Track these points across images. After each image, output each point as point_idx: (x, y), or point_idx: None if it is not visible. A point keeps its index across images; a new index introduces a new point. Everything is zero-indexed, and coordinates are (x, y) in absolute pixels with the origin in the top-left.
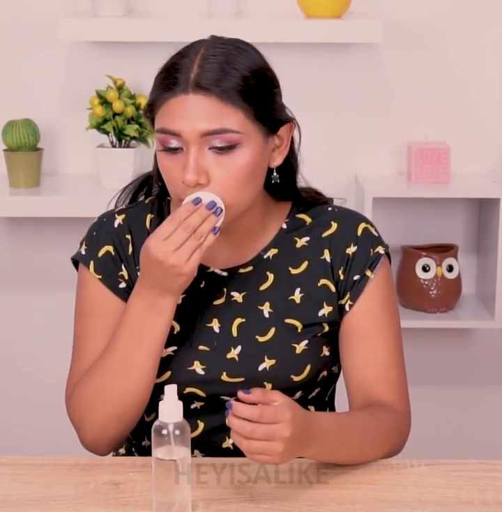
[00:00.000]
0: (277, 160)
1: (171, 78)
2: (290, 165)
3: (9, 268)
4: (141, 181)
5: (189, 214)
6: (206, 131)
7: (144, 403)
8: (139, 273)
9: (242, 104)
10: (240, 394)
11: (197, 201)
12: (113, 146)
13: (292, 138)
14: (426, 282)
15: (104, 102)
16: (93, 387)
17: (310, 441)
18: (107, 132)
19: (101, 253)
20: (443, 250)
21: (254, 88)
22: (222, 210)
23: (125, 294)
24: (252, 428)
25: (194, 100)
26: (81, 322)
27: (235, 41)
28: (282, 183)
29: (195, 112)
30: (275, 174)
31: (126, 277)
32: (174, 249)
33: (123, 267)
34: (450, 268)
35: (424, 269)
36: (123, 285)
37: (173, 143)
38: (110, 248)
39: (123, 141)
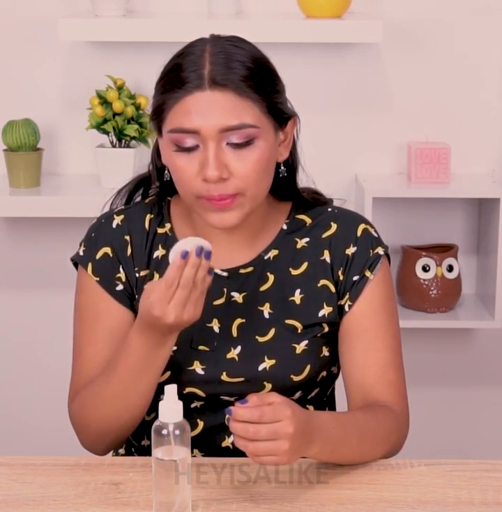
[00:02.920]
0: (284, 154)
1: (180, 77)
2: (291, 162)
3: (9, 268)
4: (136, 182)
5: (181, 270)
6: (226, 127)
7: (143, 415)
8: (137, 274)
9: (255, 97)
10: (238, 405)
11: (185, 255)
12: (114, 146)
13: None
14: (426, 282)
15: (104, 102)
16: (88, 407)
17: (312, 438)
18: (107, 132)
19: (99, 255)
20: (443, 250)
21: (261, 79)
22: (210, 252)
23: (122, 296)
24: (255, 429)
25: (211, 97)
26: (80, 325)
27: (233, 37)
28: (284, 181)
29: (213, 109)
30: (282, 168)
31: (123, 279)
32: (182, 309)
33: (120, 269)
34: (450, 268)
35: (424, 269)
36: (120, 287)
37: (189, 142)
38: (108, 250)
39: (123, 141)
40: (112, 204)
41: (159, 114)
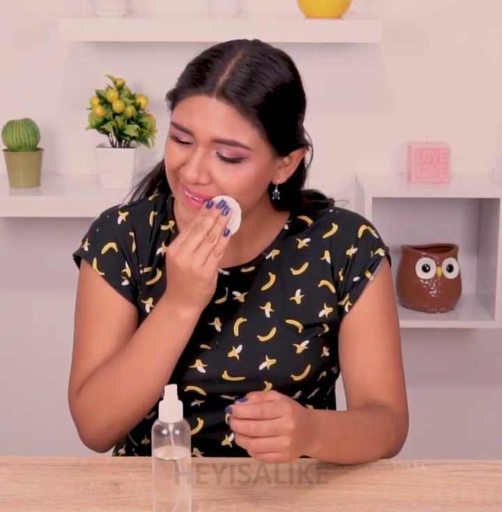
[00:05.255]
0: (281, 178)
1: (199, 75)
2: (296, 182)
3: (9, 268)
4: (157, 174)
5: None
6: (218, 138)
7: (150, 407)
8: (141, 271)
9: (259, 124)
10: (238, 403)
11: (210, 205)
12: (114, 146)
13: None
14: (426, 282)
15: (104, 102)
16: (102, 389)
17: (313, 435)
18: (107, 132)
19: (104, 250)
20: (443, 250)
21: (275, 109)
22: (229, 209)
23: (128, 292)
24: (257, 426)
25: (215, 105)
26: (83, 320)
27: (274, 52)
28: (285, 196)
29: (213, 117)
30: (275, 191)
31: (129, 274)
32: (190, 252)
33: (126, 264)
34: (450, 268)
35: (424, 269)
36: (125, 283)
37: (185, 138)
38: (113, 245)
39: (123, 141)
40: (134, 197)
41: (174, 99)
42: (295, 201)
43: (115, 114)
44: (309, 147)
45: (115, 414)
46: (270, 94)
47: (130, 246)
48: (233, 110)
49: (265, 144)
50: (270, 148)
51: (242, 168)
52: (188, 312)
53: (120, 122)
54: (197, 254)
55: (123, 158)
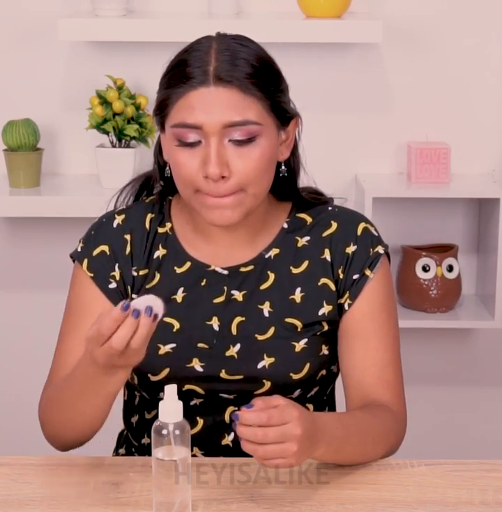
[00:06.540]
0: (285, 154)
1: (185, 72)
2: (292, 163)
3: (9, 268)
4: (142, 182)
5: (118, 324)
6: (229, 123)
7: (101, 424)
8: (135, 274)
9: (259, 95)
10: (244, 409)
11: (136, 315)
12: (114, 146)
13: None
14: (426, 282)
15: (104, 102)
16: (51, 404)
17: (318, 439)
18: (107, 132)
19: (96, 252)
20: (443, 250)
21: (265, 77)
22: (155, 312)
23: (114, 295)
24: (264, 432)
25: (215, 93)
26: (67, 319)
27: (239, 36)
28: (284, 182)
29: (217, 104)
30: (283, 167)
31: (118, 277)
32: (111, 358)
33: (116, 267)
34: (450, 268)
35: (424, 269)
36: (113, 285)
37: (192, 137)
38: (105, 248)
39: (123, 141)
40: (117, 202)
41: (163, 109)
42: (295, 185)
43: (115, 114)
44: (301, 119)
45: (59, 429)
46: (256, 67)
47: (124, 249)
48: (234, 91)
49: (269, 116)
50: (274, 121)
51: (256, 148)
52: (119, 375)
53: (120, 122)
54: (120, 359)
55: (123, 158)
